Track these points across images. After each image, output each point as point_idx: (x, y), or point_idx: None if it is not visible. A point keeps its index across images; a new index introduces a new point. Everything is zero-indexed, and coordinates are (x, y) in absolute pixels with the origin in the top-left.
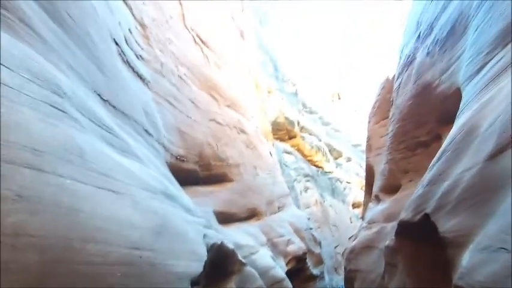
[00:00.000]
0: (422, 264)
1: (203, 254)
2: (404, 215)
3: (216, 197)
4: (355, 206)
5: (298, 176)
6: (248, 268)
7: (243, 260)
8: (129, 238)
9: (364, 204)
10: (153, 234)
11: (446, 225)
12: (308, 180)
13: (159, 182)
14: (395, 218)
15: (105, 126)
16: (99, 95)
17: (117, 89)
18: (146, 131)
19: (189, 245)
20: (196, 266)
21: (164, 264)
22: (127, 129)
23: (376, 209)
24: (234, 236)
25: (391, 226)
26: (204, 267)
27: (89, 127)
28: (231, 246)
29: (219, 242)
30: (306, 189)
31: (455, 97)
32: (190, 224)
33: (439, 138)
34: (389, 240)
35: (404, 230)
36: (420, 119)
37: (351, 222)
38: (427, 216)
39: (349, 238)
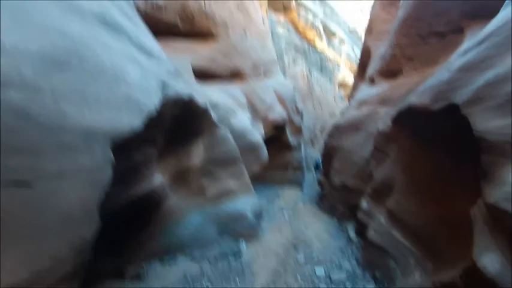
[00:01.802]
0: (424, 164)
1: (148, 105)
2: (417, 100)
3: (196, 53)
4: (340, 86)
5: (288, 48)
6: (221, 130)
7: (216, 121)
8: None
9: (353, 85)
10: (44, 64)
11: (488, 124)
12: (298, 53)
13: (99, 5)
14: (391, 103)
15: None
16: None
17: None
18: None
19: (124, 89)
20: (129, 120)
21: (59, 111)
22: None
23: (369, 91)
24: (211, 94)
25: (385, 111)
26: (148, 124)
27: None
28: (202, 103)
29: (187, 96)
30: (295, 61)
31: None
32: (140, 66)
33: (459, 32)
34: (383, 125)
35: (409, 117)
36: (440, 6)
37: (335, 102)
38: (454, 107)
39: (330, 116)
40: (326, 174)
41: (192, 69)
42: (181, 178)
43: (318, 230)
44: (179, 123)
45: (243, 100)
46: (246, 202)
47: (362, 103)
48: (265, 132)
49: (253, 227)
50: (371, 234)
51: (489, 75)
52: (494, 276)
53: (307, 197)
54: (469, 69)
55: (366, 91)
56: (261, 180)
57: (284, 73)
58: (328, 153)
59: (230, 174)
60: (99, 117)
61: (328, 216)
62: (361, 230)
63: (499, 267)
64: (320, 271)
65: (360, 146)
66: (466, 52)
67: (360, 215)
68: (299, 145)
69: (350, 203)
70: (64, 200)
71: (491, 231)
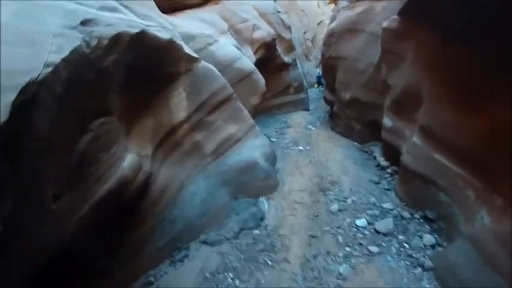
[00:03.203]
0: (456, 62)
1: (23, 69)
2: None
3: None
4: None
5: None
6: (202, 64)
7: (194, 54)
8: None
9: None
10: None
11: None
12: None
13: None
14: None
15: None
16: None
17: None
18: None
19: None
20: None
21: None
22: None
23: None
24: (183, 24)
25: (383, 5)
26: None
27: None
28: (164, 35)
29: (137, 30)
30: None
31: None
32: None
33: None
34: (388, 21)
35: (423, 6)
36: None
37: (319, 8)
38: None
39: (318, 23)
40: (331, 89)
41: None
42: (169, 141)
43: (341, 160)
44: (140, 69)
45: (222, 24)
46: (253, 147)
47: (353, 1)
48: (255, 55)
49: (269, 175)
50: (407, 159)
51: None
52: None
53: (317, 119)
54: None
55: None
56: (262, 110)
57: None
58: (329, 65)
59: (226, 118)
60: None
61: (347, 139)
62: (391, 153)
63: None
64: (362, 223)
65: (362, 51)
66: None
67: (385, 135)
68: (295, 62)
69: (367, 119)
70: None
71: None
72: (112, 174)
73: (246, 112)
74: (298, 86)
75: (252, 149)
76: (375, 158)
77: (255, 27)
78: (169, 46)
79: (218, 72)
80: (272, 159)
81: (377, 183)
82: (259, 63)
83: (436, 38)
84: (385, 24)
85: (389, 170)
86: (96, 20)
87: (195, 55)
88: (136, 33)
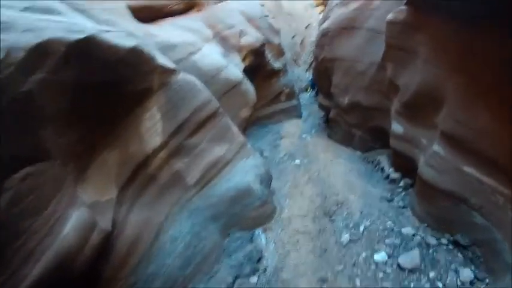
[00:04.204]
0: (490, 50)
1: None
2: None
3: None
4: None
5: None
6: (182, 77)
7: (170, 65)
8: None
9: None
10: None
11: None
12: None
13: None
14: None
15: None
16: None
17: None
18: None
19: None
20: None
21: None
22: None
23: None
24: (161, 33)
25: None
26: None
27: None
28: (126, 43)
29: (79, 37)
30: None
31: None
32: None
33: None
34: (394, 13)
35: None
36: None
37: (306, 11)
38: None
39: (306, 27)
40: (326, 94)
41: (132, 10)
42: (140, 176)
43: (344, 173)
44: (93, 89)
45: (207, 31)
46: (245, 169)
47: None
48: (243, 62)
49: (265, 201)
50: (427, 172)
51: None
52: None
53: (311, 127)
54: None
55: None
56: (253, 121)
57: None
58: (323, 68)
59: (212, 138)
60: None
61: (347, 148)
62: (403, 163)
63: None
64: (381, 257)
65: (362, 50)
66: None
67: (395, 143)
68: (285, 67)
69: (370, 125)
70: None
71: None
72: (48, 245)
73: (235, 129)
74: (289, 93)
75: (244, 171)
76: (382, 169)
77: (242, 33)
78: (135, 56)
79: (201, 85)
80: (267, 180)
81: (390, 200)
82: (247, 71)
83: (461, 26)
84: (390, 16)
85: (401, 184)
86: (7, 24)
87: (172, 66)
88: (79, 40)
